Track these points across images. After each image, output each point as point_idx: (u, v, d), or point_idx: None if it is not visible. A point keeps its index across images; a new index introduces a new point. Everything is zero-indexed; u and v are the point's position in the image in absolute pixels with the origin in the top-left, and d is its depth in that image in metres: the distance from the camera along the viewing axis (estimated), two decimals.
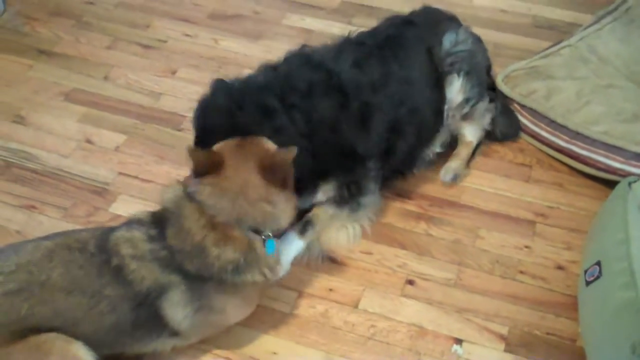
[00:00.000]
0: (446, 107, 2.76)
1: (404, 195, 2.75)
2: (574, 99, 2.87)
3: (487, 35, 3.38)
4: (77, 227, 2.61)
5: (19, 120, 3.03)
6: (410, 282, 2.47)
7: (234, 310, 2.17)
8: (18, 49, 3.39)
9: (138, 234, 2.04)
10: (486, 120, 2.89)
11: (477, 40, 2.89)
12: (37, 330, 1.89)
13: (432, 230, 2.64)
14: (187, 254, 1.99)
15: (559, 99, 2.90)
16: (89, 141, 2.94)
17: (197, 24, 3.57)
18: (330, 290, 2.45)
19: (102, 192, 2.75)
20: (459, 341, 2.31)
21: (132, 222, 2.08)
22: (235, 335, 2.29)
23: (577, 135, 2.78)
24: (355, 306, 2.41)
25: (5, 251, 2.01)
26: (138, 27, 3.53)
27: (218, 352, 2.27)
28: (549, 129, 2.87)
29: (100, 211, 2.68)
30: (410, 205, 2.73)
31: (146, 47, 3.41)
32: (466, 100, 2.76)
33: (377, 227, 2.64)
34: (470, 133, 2.88)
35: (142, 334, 2.05)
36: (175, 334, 2.09)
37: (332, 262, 2.54)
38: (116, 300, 1.96)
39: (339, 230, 2.59)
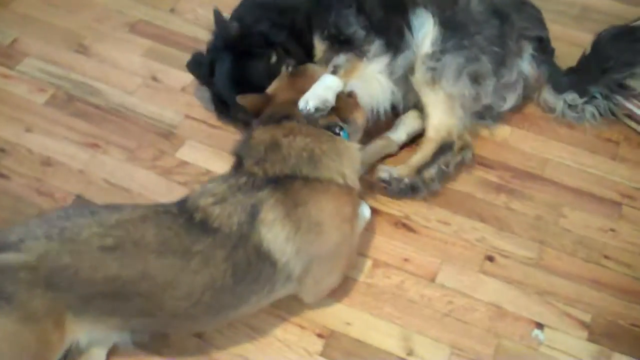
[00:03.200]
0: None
1: (485, 164, 2.61)
2: None
3: None
4: (142, 170, 2.51)
5: (82, 49, 2.89)
6: (490, 259, 2.35)
7: (331, 221, 2.00)
8: None
9: (211, 185, 1.97)
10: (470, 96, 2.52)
11: None
12: (118, 294, 1.80)
13: (513, 204, 2.50)
14: (263, 160, 1.98)
15: None
16: (154, 78, 2.80)
17: None
18: (406, 260, 2.34)
19: (168, 135, 2.62)
20: (540, 326, 2.21)
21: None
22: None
23: None
24: (432, 280, 2.30)
25: (110, 207, 1.95)
26: None
27: (291, 319, 2.18)
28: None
29: (166, 155, 2.57)
30: (491, 176, 2.59)
31: None
32: (433, 53, 2.49)
33: (455, 196, 2.51)
34: (434, 112, 2.51)
35: (245, 287, 1.90)
36: (285, 277, 1.95)
37: (408, 229, 2.41)
38: (207, 252, 1.84)
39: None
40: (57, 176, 2.48)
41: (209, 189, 1.96)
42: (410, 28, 2.55)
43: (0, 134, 2.59)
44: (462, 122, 2.51)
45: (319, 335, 2.15)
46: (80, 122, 2.64)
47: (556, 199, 2.53)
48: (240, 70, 2.47)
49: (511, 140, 2.69)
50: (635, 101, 2.71)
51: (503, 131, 2.72)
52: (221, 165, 2.48)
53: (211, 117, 2.68)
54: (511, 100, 2.65)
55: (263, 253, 1.89)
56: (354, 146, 2.14)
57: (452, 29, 2.50)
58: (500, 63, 2.55)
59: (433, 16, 2.53)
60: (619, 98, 2.70)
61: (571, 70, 2.74)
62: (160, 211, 1.91)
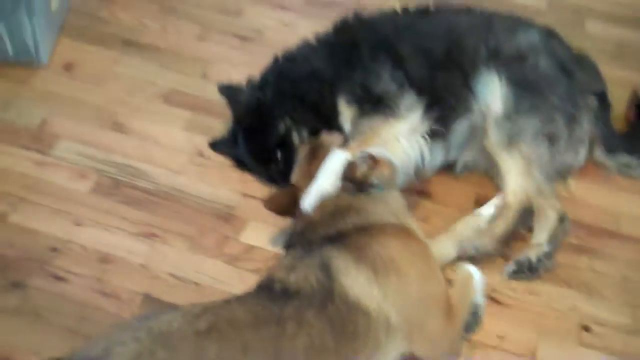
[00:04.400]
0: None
1: None
2: None
3: (608, 32, 3.16)
4: (208, 260, 2.35)
5: (117, 127, 2.70)
6: (586, 329, 2.27)
7: (403, 256, 1.96)
8: (98, 38, 3.03)
9: (278, 262, 2.03)
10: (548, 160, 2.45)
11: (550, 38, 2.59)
12: None
13: (597, 265, 2.42)
14: (315, 226, 2.05)
15: None
16: (200, 154, 2.64)
17: (293, 10, 3.23)
18: (501, 338, 2.23)
19: (228, 217, 2.46)
20: None
21: None
22: None
23: None
24: (533, 357, 2.19)
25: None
26: (229, 13, 3.18)
27: None
28: None
29: (230, 241, 2.41)
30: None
31: (242, 38, 3.08)
32: (507, 115, 2.42)
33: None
34: (512, 176, 2.43)
35: (346, 344, 1.82)
36: (384, 327, 1.87)
37: (496, 303, 2.30)
38: (298, 315, 1.81)
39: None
40: (118, 274, 2.29)
41: (279, 264, 1.99)
42: (470, 89, 2.45)
43: (47, 231, 2.38)
44: (540, 185, 2.41)
45: None
46: (131, 209, 2.46)
47: (637, 255, 2.45)
48: (251, 144, 2.44)
49: (578, 195, 2.60)
50: None
51: (568, 186, 2.62)
52: None
53: (269, 192, 2.52)
54: (582, 154, 2.56)
55: (352, 302, 1.85)
56: (392, 192, 2.18)
57: (524, 88, 2.42)
58: (572, 120, 2.46)
59: (499, 74, 2.44)
60: None
61: (626, 135, 2.67)
62: (240, 294, 1.92)
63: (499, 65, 2.46)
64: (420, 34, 2.54)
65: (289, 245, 2.12)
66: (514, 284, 2.36)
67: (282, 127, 2.42)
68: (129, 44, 3.00)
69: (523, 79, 2.43)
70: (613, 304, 2.33)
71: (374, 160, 2.13)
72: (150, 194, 2.51)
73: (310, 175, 2.19)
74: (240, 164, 2.56)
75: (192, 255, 2.36)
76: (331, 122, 2.44)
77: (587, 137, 2.57)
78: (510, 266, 2.35)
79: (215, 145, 2.58)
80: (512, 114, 2.40)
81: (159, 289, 2.27)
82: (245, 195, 2.53)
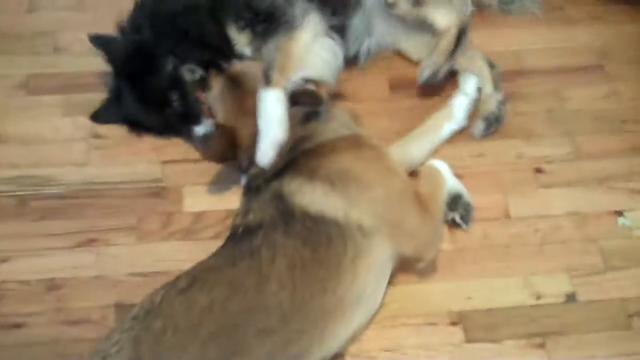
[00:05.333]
0: None
1: None
2: None
3: None
4: (163, 244, 2.17)
5: None
6: (539, 170, 2.35)
7: (358, 165, 1.97)
8: None
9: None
10: None
11: None
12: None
13: (520, 107, 2.50)
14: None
15: None
16: (97, 135, 2.38)
17: None
18: (476, 209, 2.25)
19: (159, 192, 2.28)
20: (619, 213, 2.26)
21: None
22: (415, 295, 2.09)
23: None
24: (508, 216, 2.26)
25: None
26: None
27: (417, 321, 2.06)
28: None
29: (174, 215, 2.23)
30: None
31: None
32: None
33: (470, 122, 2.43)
34: (441, 17, 2.43)
35: (326, 253, 1.83)
36: (358, 231, 1.87)
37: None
38: (267, 241, 1.84)
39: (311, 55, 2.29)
40: (76, 295, 2.08)
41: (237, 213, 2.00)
42: None
43: None
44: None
45: (453, 324, 2.05)
46: (54, 222, 2.20)
47: (550, 85, 2.57)
48: (140, 92, 2.24)
49: (479, 45, 2.61)
50: None
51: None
52: (238, 198, 2.20)
53: (187, 151, 2.35)
54: None
55: (315, 216, 1.85)
56: (333, 110, 2.15)
57: None
58: None
59: None
60: None
61: None
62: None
63: None
64: None
65: (248, 190, 2.05)
66: (458, 154, 2.36)
67: (169, 66, 2.22)
68: None
69: None
70: (550, 138, 2.42)
71: (310, 94, 2.06)
72: (65, 198, 2.25)
73: (243, 111, 2.08)
74: (133, 125, 2.34)
75: (144, 246, 2.17)
76: (226, 52, 2.26)
77: None
78: (479, 126, 2.38)
79: (97, 116, 2.33)
80: None
81: (127, 294, 2.08)
82: (164, 162, 2.34)
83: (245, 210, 1.96)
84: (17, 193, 2.25)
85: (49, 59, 2.56)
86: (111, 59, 2.28)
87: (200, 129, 2.21)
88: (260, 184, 1.99)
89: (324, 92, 2.10)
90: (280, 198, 1.90)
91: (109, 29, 2.31)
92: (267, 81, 2.06)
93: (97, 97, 2.39)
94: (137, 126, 2.34)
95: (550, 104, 2.49)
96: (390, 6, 2.38)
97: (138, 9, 2.31)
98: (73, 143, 2.36)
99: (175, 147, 2.35)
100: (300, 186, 1.90)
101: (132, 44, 2.23)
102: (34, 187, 2.26)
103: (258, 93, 2.03)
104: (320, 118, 2.06)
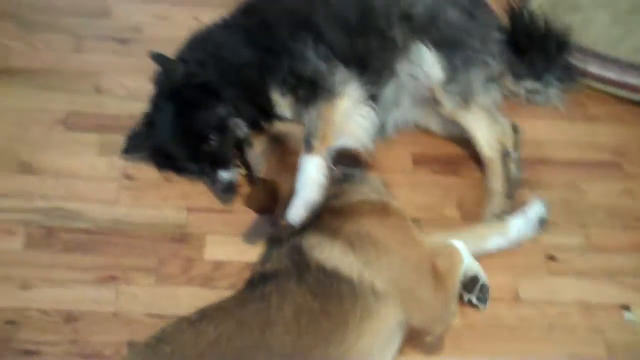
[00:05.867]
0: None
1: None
2: (613, 28, 2.85)
3: None
4: (180, 288, 2.23)
5: (26, 168, 2.44)
6: (551, 258, 2.41)
7: (380, 231, 2.01)
8: None
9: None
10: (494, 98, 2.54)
11: None
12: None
13: (539, 194, 2.54)
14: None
15: (597, 31, 2.86)
16: (128, 176, 2.46)
17: (162, 1, 3.02)
18: None
19: (182, 237, 2.34)
20: (626, 307, 2.31)
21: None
22: None
23: (630, 67, 2.78)
24: (516, 298, 2.31)
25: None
26: (97, 16, 2.93)
27: None
28: (597, 63, 2.83)
29: (194, 262, 2.29)
30: None
31: (121, 40, 2.85)
32: (450, 78, 2.47)
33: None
34: (481, 132, 2.49)
35: (335, 307, 1.88)
36: (370, 293, 1.92)
37: None
38: (279, 288, 1.91)
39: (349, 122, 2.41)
40: (92, 329, 2.12)
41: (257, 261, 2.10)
42: (391, 51, 2.46)
43: None
44: (505, 124, 2.50)
45: None
46: (78, 256, 2.26)
47: (568, 176, 2.64)
48: (184, 121, 2.32)
49: None
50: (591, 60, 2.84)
51: None
52: (258, 252, 2.27)
53: (214, 200, 2.43)
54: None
55: (330, 271, 1.90)
56: (367, 176, 2.24)
57: (450, 47, 2.46)
58: (496, 56, 2.56)
59: (425, 43, 2.47)
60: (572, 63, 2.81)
61: (527, 62, 2.75)
62: None
63: (420, 35, 2.47)
64: (328, 3, 2.49)
65: (271, 241, 2.13)
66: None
67: (223, 111, 2.33)
68: (1, 72, 2.68)
69: (445, 39, 2.47)
70: (565, 227, 2.48)
71: (351, 157, 2.19)
72: (92, 234, 2.31)
73: (283, 167, 2.20)
74: (159, 155, 2.41)
75: (162, 288, 2.22)
76: (269, 112, 2.38)
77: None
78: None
79: (128, 147, 2.42)
80: (453, 75, 2.45)
81: (141, 333, 2.09)
82: (190, 209, 2.41)
83: (264, 259, 2.05)
84: (47, 224, 2.32)
85: (90, 98, 2.65)
86: (167, 79, 2.35)
87: (225, 175, 2.31)
88: (284, 236, 2.06)
89: (364, 155, 2.21)
90: (298, 250, 1.95)
91: (151, 76, 2.41)
92: (308, 148, 2.18)
93: None
94: (163, 157, 2.40)
95: (568, 194, 2.56)
96: (435, 103, 2.47)
97: (201, 44, 2.43)
98: (105, 181, 2.43)
99: (202, 195, 2.43)
100: (321, 242, 1.96)
101: (194, 76, 2.32)
102: (63, 220, 2.33)
103: (300, 157, 2.15)
104: (354, 180, 2.14)
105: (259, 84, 2.35)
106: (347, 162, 2.23)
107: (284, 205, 2.14)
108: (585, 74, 2.86)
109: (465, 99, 2.44)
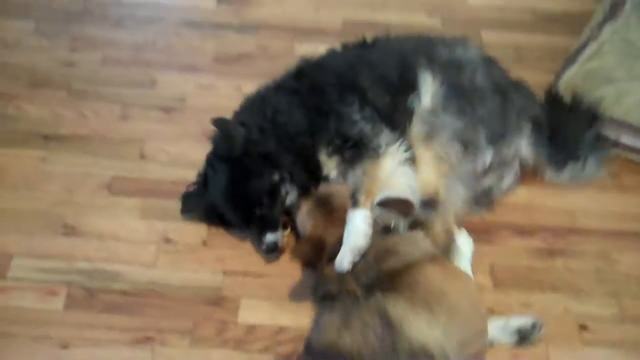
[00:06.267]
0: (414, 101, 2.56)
1: (524, 231, 2.65)
2: None
3: (502, 38, 3.34)
4: (215, 351, 2.27)
5: (70, 231, 2.54)
6: (584, 328, 2.40)
7: (447, 283, 2.10)
8: (14, 138, 2.83)
9: (321, 320, 2.16)
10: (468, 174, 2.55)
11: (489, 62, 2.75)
12: None
13: (571, 263, 2.58)
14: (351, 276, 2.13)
15: (630, 102, 2.89)
16: (167, 240, 2.54)
17: (205, 71, 3.16)
18: (515, 355, 2.32)
19: (218, 300, 2.40)
20: None
21: None
22: None
23: None
24: None
25: None
26: (143, 86, 3.06)
27: None
28: (630, 134, 2.86)
29: (229, 325, 2.35)
30: (536, 241, 2.64)
31: (166, 109, 2.98)
32: (433, 111, 2.52)
33: (519, 273, 2.53)
34: (424, 168, 2.50)
35: None
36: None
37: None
38: None
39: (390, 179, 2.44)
40: None
41: (323, 324, 2.06)
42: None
43: None
44: (457, 198, 2.52)
45: None
46: (116, 317, 2.33)
47: (601, 246, 2.64)
48: (240, 186, 2.40)
49: (534, 201, 2.74)
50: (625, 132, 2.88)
51: (522, 194, 2.76)
52: (290, 316, 2.33)
53: (250, 264, 2.50)
54: (508, 180, 2.69)
55: (417, 350, 1.94)
56: (414, 233, 2.31)
57: (455, 91, 2.53)
58: (500, 137, 2.59)
59: (433, 74, 2.55)
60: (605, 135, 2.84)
61: (562, 146, 2.79)
62: None
63: (435, 67, 2.57)
64: (372, 64, 2.60)
65: (323, 298, 2.18)
66: (506, 299, 2.44)
67: (276, 177, 2.42)
68: (51, 139, 2.82)
69: (456, 83, 2.55)
70: (597, 297, 2.48)
71: (399, 204, 2.30)
72: (130, 295, 2.39)
73: (330, 225, 2.29)
74: (211, 214, 2.51)
75: (197, 350, 2.28)
76: (316, 175, 2.47)
77: (517, 161, 2.69)
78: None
79: (184, 208, 2.54)
80: (438, 111, 2.50)
81: None
82: (226, 273, 2.47)
83: (337, 324, 2.03)
84: (87, 285, 2.40)
85: (134, 164, 2.76)
86: (227, 142, 2.43)
87: (272, 237, 2.39)
88: (335, 291, 2.12)
89: (411, 204, 2.31)
90: (386, 322, 1.98)
91: (193, 143, 2.53)
92: (355, 203, 2.27)
93: (174, 205, 2.58)
94: (215, 215, 2.51)
95: (600, 264, 2.57)
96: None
97: (259, 108, 2.53)
98: (145, 245, 2.51)
99: (238, 259, 2.50)
100: (405, 312, 1.99)
101: (254, 143, 2.41)
102: (103, 281, 2.41)
103: (347, 213, 2.25)
104: (398, 231, 2.25)
105: (310, 149, 2.44)
106: (399, 208, 2.32)
107: (329, 255, 2.20)
108: (618, 144, 2.89)
109: (430, 134, 2.48)
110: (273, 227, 2.40)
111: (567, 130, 2.82)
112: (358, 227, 2.22)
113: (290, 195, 2.44)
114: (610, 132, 2.89)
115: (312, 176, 2.47)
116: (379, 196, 2.36)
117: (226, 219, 2.51)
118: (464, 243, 2.49)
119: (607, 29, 3.17)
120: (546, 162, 2.71)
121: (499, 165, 2.63)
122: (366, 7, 3.53)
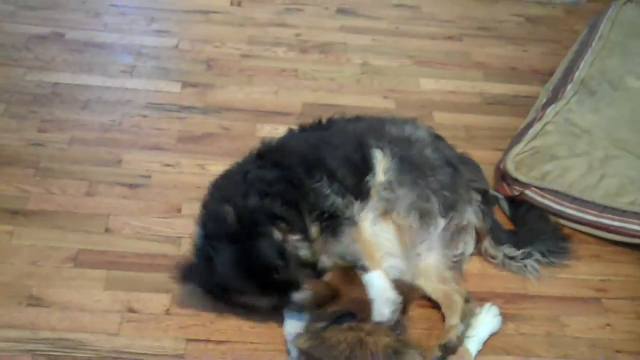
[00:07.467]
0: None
1: (479, 298, 2.74)
2: (588, 175, 3.07)
3: (453, 118, 3.55)
4: None
5: (35, 302, 2.59)
6: None
7: None
8: None
9: None
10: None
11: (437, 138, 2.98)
12: None
13: (522, 328, 2.68)
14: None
15: (573, 177, 3.08)
16: (131, 310, 2.59)
17: (170, 150, 3.29)
18: None
19: None
20: None
21: None
22: None
23: (605, 209, 2.98)
24: None
25: None
26: (109, 164, 3.17)
27: None
28: (574, 206, 3.03)
29: None
30: None
31: (131, 186, 3.08)
32: (388, 185, 2.67)
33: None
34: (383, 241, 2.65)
35: None
36: None
37: None
38: None
39: None
40: None
41: None
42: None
43: None
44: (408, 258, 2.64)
45: None
46: None
47: (550, 311, 2.75)
48: (245, 257, 2.40)
49: (487, 269, 2.87)
50: (568, 204, 3.05)
51: (476, 263, 2.89)
52: None
53: (212, 332, 2.55)
54: (470, 244, 2.85)
55: None
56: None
57: (407, 164, 2.70)
58: (451, 207, 2.74)
59: (383, 150, 2.71)
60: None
61: (512, 231, 2.99)
62: None
63: (384, 144, 2.73)
64: (333, 144, 2.75)
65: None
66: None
67: (276, 233, 2.43)
68: (18, 214, 2.89)
69: (407, 157, 2.72)
70: (548, 359, 2.57)
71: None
72: None
73: (347, 282, 2.41)
74: (218, 290, 2.51)
75: None
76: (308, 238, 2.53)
77: (472, 228, 2.84)
78: (436, 354, 2.47)
79: (185, 277, 2.51)
80: (392, 185, 2.65)
81: None
82: (189, 340, 2.52)
83: None
84: (51, 353, 2.43)
85: (99, 237, 2.84)
86: (218, 222, 2.46)
87: (298, 296, 2.38)
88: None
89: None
90: None
91: (156, 219, 2.68)
92: (364, 268, 2.39)
93: (137, 275, 2.67)
94: (225, 292, 2.50)
95: (550, 328, 2.68)
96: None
97: (236, 181, 2.61)
98: (109, 314, 2.57)
99: (201, 327, 2.55)
100: None
101: (243, 214, 2.43)
102: (67, 350, 2.44)
103: (363, 281, 2.38)
104: None
105: (297, 196, 2.54)
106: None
107: (335, 314, 2.30)
108: (563, 216, 3.05)
109: (387, 209, 2.62)
110: (297, 286, 2.38)
111: (521, 226, 3.00)
112: (380, 285, 2.37)
113: (300, 246, 2.45)
114: (555, 204, 3.05)
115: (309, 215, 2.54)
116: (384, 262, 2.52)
117: (233, 297, 2.51)
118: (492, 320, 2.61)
119: (550, 110, 3.39)
120: (487, 232, 2.85)
121: (454, 232, 2.76)
122: (324, 91, 3.74)
